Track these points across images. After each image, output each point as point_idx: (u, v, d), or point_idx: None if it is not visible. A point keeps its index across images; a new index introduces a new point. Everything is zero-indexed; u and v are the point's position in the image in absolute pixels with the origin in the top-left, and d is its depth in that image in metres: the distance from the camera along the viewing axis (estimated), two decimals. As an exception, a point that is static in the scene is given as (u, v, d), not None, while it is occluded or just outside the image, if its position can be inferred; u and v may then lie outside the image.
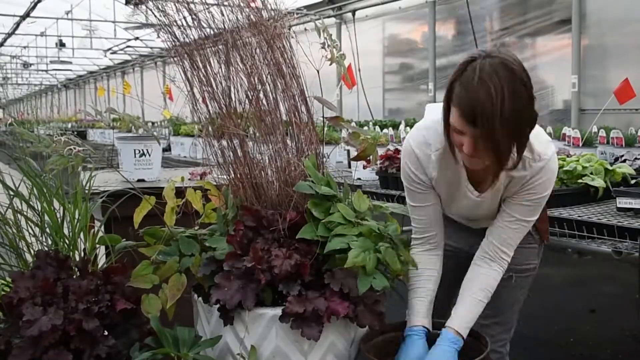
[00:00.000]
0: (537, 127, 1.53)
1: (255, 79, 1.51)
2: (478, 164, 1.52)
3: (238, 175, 1.54)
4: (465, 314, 1.61)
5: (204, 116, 1.56)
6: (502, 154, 1.42)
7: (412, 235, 1.69)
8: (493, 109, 1.35)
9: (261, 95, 1.54)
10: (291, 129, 1.55)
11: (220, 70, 1.54)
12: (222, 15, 1.54)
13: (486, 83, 1.37)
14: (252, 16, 1.53)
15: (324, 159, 1.60)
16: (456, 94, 1.42)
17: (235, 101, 1.55)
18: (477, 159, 1.48)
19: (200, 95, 1.55)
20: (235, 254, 1.38)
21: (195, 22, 1.54)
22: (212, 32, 1.55)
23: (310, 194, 1.44)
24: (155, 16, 1.50)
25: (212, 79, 1.52)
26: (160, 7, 1.51)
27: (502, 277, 1.77)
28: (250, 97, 1.53)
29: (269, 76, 1.53)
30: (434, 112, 1.63)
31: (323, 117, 1.60)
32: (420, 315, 1.59)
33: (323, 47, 1.58)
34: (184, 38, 1.54)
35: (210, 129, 1.54)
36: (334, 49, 1.59)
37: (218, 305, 1.33)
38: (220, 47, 1.54)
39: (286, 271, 1.32)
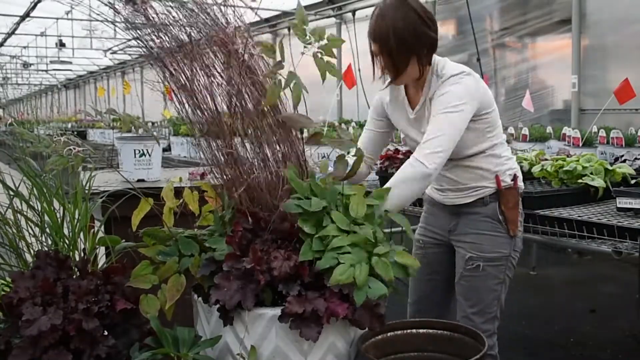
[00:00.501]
0: (458, 65, 2.03)
1: (230, 87, 1.50)
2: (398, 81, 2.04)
3: (230, 177, 1.53)
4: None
5: (187, 119, 1.55)
6: (398, 62, 1.95)
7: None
8: (386, 27, 1.93)
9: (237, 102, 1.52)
10: (275, 136, 1.53)
11: (195, 78, 1.53)
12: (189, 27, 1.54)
13: (382, 11, 1.96)
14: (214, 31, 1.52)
15: (306, 167, 1.57)
16: (369, 25, 2.00)
17: (215, 108, 1.53)
18: (395, 76, 2.00)
19: (182, 101, 1.54)
20: (235, 255, 1.37)
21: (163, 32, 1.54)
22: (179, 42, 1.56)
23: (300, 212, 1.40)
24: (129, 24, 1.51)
25: (190, 86, 1.51)
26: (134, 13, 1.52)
27: (471, 266, 2.10)
28: (229, 105, 1.52)
29: (244, 87, 1.51)
30: None
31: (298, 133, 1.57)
32: None
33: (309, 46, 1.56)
34: (156, 44, 1.55)
35: (197, 132, 1.54)
36: (316, 41, 1.56)
37: (218, 306, 1.33)
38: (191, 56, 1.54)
39: (285, 272, 1.32)
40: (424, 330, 1.56)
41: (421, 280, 2.23)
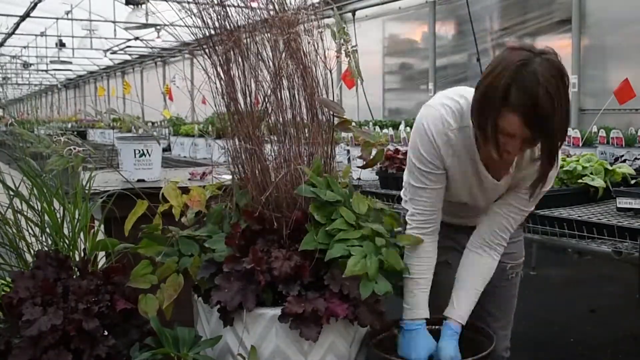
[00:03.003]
0: None
1: (278, 77, 1.50)
2: (508, 162, 1.55)
3: (248, 175, 1.54)
4: (466, 303, 1.63)
5: (220, 114, 1.55)
6: (555, 152, 1.45)
7: (409, 218, 1.63)
8: (554, 112, 1.36)
9: (284, 94, 1.53)
10: (305, 131, 1.54)
11: (241, 67, 1.53)
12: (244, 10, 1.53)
13: (545, 87, 1.35)
14: (271, 11, 1.52)
15: (333, 161, 1.59)
16: (514, 97, 1.37)
17: (252, 100, 1.54)
18: (512, 157, 1.51)
19: (224, 92, 1.54)
20: (235, 257, 1.37)
21: (221, 16, 1.52)
22: (233, 27, 1.54)
23: (313, 197, 1.43)
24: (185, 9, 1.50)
25: (234, 76, 1.52)
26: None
27: (512, 276, 1.86)
28: (273, 96, 1.51)
29: (292, 75, 1.52)
30: (443, 95, 1.62)
31: (332, 118, 1.58)
32: (422, 307, 1.58)
33: (339, 41, 1.56)
34: (210, 31, 1.53)
35: (229, 127, 1.54)
36: (347, 43, 1.57)
37: (218, 306, 1.33)
38: (244, 42, 1.53)
39: (286, 273, 1.32)
40: (434, 327, 1.57)
41: None
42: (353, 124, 1.58)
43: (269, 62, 1.52)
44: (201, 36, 1.55)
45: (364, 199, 1.51)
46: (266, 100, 1.53)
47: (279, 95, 1.52)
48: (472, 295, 1.63)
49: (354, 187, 1.56)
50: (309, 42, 1.52)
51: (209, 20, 1.52)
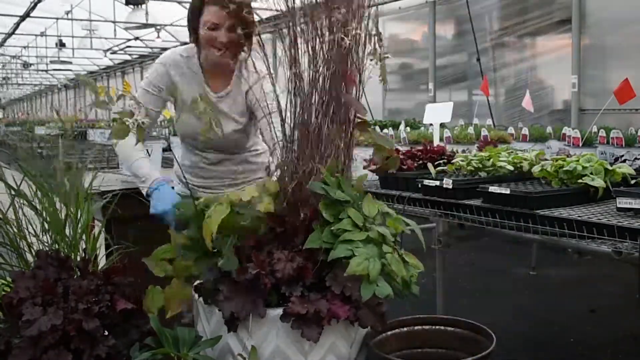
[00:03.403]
0: None
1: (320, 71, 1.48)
2: (223, 56, 1.99)
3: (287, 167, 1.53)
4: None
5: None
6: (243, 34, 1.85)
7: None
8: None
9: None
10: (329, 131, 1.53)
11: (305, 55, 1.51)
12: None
13: None
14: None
15: (349, 163, 1.59)
16: None
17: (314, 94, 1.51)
18: (225, 49, 1.98)
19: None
20: (243, 268, 1.37)
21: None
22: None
23: (323, 195, 1.43)
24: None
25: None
26: None
27: None
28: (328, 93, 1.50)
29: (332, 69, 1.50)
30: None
31: (354, 118, 1.58)
32: (158, 173, 2.05)
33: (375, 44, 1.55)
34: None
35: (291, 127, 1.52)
36: (379, 45, 1.56)
37: (227, 315, 1.32)
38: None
39: (289, 274, 1.32)
40: (433, 327, 1.57)
41: None
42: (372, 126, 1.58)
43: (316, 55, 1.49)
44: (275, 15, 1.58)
45: (375, 202, 1.51)
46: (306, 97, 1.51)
47: (314, 93, 1.51)
48: None
49: (365, 191, 1.56)
50: (356, 42, 1.51)
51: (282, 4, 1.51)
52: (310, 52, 1.49)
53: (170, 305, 1.45)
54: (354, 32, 1.48)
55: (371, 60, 1.57)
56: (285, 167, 1.51)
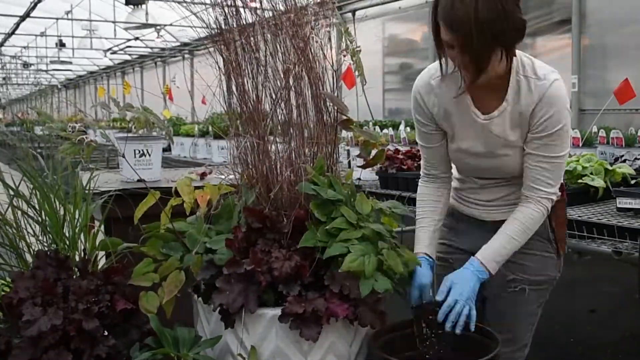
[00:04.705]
0: (540, 62, 1.66)
1: (289, 74, 1.50)
2: (473, 76, 1.56)
3: (254, 174, 1.54)
4: (495, 247, 1.62)
5: (232, 111, 1.56)
6: (479, 55, 1.48)
7: (421, 171, 1.81)
8: (467, 12, 1.42)
9: (291, 92, 1.54)
10: (310, 130, 1.55)
11: (252, 64, 1.53)
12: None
13: None
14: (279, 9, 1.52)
15: (336, 161, 1.60)
16: (440, 8, 1.50)
17: (262, 98, 1.54)
18: (467, 69, 1.55)
19: (236, 89, 1.54)
20: (235, 260, 1.37)
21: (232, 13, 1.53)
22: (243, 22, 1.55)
23: (314, 195, 1.43)
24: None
25: (243, 72, 1.53)
26: None
27: (513, 290, 1.76)
28: (281, 94, 1.52)
29: (299, 74, 1.52)
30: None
31: (336, 116, 1.58)
32: (422, 244, 1.68)
33: (345, 41, 1.57)
34: (221, 24, 1.54)
35: (238, 126, 1.54)
36: (350, 43, 1.58)
37: (219, 309, 1.33)
38: (253, 39, 1.53)
39: (286, 273, 1.32)
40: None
41: None
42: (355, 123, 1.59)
43: (277, 60, 1.52)
44: (211, 32, 1.56)
45: (368, 199, 1.51)
46: (275, 98, 1.54)
47: (286, 94, 1.53)
48: (503, 238, 1.62)
49: (356, 188, 1.56)
50: (316, 42, 1.52)
51: (220, 18, 1.52)
52: (279, 54, 1.51)
53: (168, 288, 1.44)
54: (322, 30, 1.50)
55: (344, 55, 1.58)
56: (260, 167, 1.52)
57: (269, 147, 1.53)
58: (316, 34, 1.51)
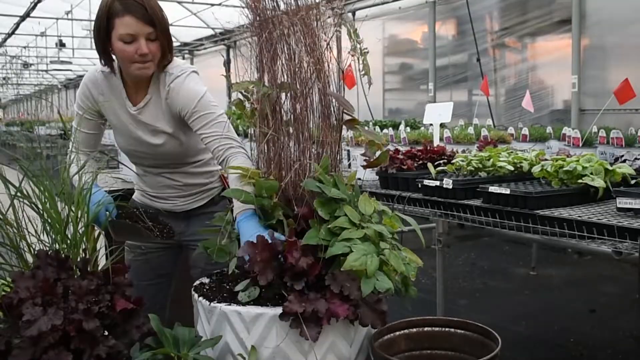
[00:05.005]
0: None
1: (301, 75, 1.51)
2: (148, 68, 1.90)
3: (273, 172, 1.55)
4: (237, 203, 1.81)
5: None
6: (167, 44, 1.90)
7: (75, 148, 1.96)
8: (155, 3, 1.87)
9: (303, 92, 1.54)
10: (316, 129, 1.55)
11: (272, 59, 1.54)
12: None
13: None
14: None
15: (339, 161, 1.60)
16: (118, 9, 1.82)
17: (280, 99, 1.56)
18: (149, 61, 1.88)
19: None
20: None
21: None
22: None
23: (319, 193, 1.44)
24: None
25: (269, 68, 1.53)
26: None
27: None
28: (297, 94, 1.52)
29: (312, 72, 1.52)
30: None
31: (342, 116, 1.59)
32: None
33: (353, 41, 1.58)
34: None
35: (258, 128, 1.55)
36: (358, 44, 1.58)
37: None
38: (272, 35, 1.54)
39: (301, 268, 1.34)
40: (442, 329, 1.57)
41: (147, 285, 2.14)
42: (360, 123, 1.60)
43: (290, 58, 1.52)
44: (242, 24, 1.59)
45: (370, 200, 1.51)
46: (286, 97, 1.54)
47: (295, 93, 1.53)
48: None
49: (359, 189, 1.57)
50: (325, 41, 1.53)
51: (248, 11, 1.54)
52: (292, 52, 1.51)
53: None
54: (332, 30, 1.51)
55: (353, 55, 1.59)
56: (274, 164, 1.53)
57: (284, 142, 1.55)
58: (325, 33, 1.52)
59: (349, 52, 1.58)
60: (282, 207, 1.53)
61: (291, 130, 1.56)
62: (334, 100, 1.56)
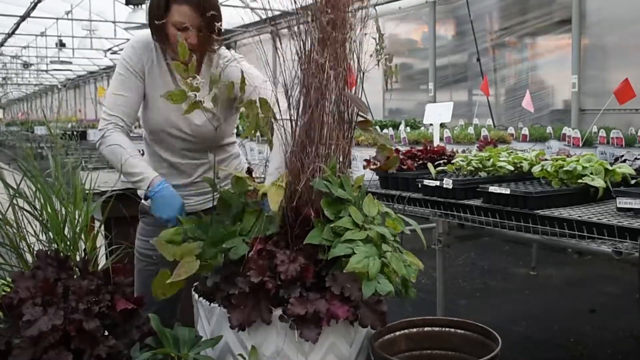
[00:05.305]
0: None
1: (324, 75, 1.49)
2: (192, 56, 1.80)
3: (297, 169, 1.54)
4: None
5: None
6: (218, 34, 1.85)
7: (108, 118, 1.96)
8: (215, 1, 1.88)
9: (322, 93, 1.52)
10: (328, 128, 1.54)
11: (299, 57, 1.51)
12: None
13: None
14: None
15: (349, 162, 1.59)
16: None
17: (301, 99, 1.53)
18: (195, 50, 1.85)
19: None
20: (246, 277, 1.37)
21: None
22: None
23: (326, 193, 1.43)
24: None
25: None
26: None
27: None
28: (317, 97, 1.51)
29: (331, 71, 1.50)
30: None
31: (356, 117, 1.58)
32: (150, 170, 1.90)
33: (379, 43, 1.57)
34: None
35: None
36: (381, 47, 1.58)
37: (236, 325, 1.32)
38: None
39: (292, 276, 1.32)
40: (443, 329, 1.57)
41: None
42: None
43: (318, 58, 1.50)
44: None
45: (375, 202, 1.51)
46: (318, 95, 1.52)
47: (311, 93, 1.51)
48: None
49: (365, 191, 1.56)
50: (352, 41, 1.52)
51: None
52: (315, 51, 1.49)
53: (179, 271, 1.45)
54: (356, 31, 1.49)
55: (378, 60, 1.58)
56: (294, 166, 1.51)
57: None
58: (354, 34, 1.51)
59: (370, 55, 1.57)
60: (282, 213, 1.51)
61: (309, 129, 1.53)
62: (349, 100, 1.55)
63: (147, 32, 2.02)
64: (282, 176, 1.53)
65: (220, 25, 1.85)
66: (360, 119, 1.58)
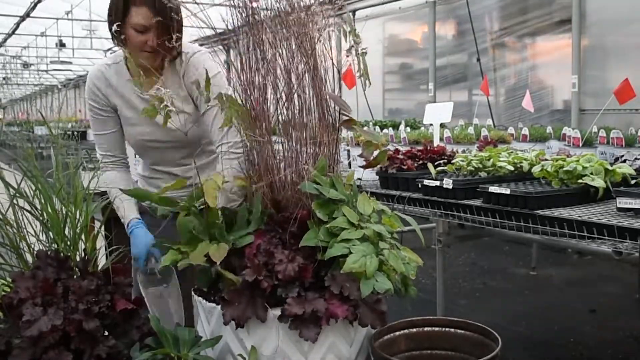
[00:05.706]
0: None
1: (293, 75, 1.51)
2: (154, 59, 1.90)
3: (259, 177, 1.54)
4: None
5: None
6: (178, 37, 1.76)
7: (100, 158, 2.04)
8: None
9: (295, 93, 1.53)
10: (312, 130, 1.55)
11: (257, 62, 1.53)
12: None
13: None
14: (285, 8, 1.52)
15: (337, 161, 1.60)
16: None
17: (269, 96, 1.55)
18: (156, 52, 1.86)
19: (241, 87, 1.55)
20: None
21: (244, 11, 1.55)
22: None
23: (317, 195, 1.43)
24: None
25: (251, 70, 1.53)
26: None
27: None
28: (286, 96, 1.52)
29: (302, 74, 1.52)
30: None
31: (339, 116, 1.58)
32: (134, 211, 1.95)
33: (350, 41, 1.57)
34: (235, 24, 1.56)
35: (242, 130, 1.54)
36: (357, 45, 1.58)
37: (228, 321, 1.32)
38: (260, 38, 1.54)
39: (289, 276, 1.32)
40: (443, 329, 1.57)
41: None
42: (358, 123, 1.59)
43: (282, 59, 1.52)
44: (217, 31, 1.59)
45: (369, 200, 1.51)
46: (280, 97, 1.54)
47: (289, 93, 1.52)
48: None
49: (357, 188, 1.56)
50: (320, 42, 1.53)
51: (232, 16, 1.53)
52: (286, 52, 1.50)
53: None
54: (326, 29, 1.50)
55: (347, 56, 1.59)
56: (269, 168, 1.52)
57: (272, 147, 1.53)
58: (320, 34, 1.51)
59: (346, 52, 1.58)
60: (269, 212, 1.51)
61: (288, 131, 1.54)
62: (331, 100, 1.55)
63: (97, 63, 2.08)
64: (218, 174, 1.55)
65: (180, 27, 1.83)
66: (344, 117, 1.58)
